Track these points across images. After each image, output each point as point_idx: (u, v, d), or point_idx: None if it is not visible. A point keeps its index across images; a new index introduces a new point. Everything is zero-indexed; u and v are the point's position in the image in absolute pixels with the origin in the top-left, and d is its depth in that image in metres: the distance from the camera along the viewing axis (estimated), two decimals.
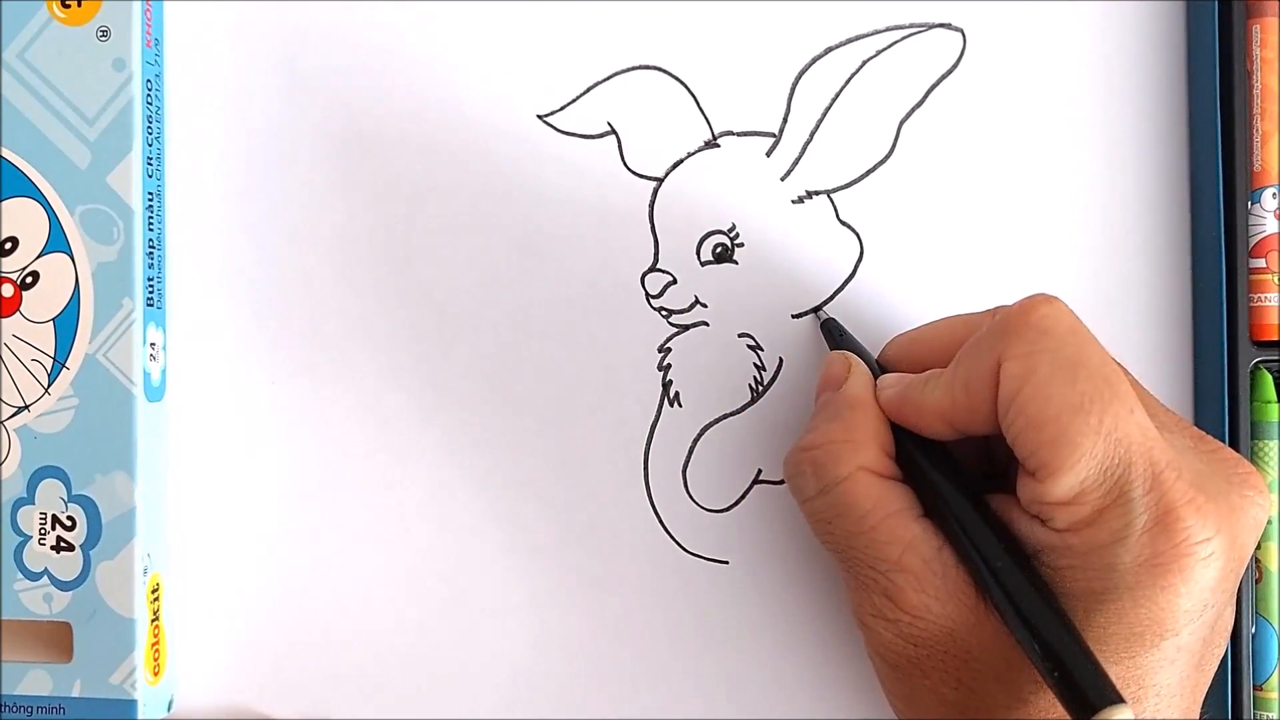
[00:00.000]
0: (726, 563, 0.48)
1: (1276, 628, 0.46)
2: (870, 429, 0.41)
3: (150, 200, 0.46)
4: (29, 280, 0.45)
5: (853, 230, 0.47)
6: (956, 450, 0.42)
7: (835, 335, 0.46)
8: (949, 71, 0.47)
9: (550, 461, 0.48)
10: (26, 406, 0.45)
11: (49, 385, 0.45)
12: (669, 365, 0.47)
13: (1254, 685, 0.46)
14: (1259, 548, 0.46)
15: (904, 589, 0.39)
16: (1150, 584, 0.36)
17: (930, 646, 0.39)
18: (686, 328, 0.47)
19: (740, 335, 0.47)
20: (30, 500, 0.45)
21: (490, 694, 0.48)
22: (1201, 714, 0.39)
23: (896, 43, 0.47)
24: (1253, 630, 0.46)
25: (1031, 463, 0.37)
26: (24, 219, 0.45)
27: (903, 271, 0.47)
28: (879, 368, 0.44)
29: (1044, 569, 0.38)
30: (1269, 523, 0.45)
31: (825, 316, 0.47)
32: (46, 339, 0.45)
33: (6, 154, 0.45)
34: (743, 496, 0.47)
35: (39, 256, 0.45)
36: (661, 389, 0.47)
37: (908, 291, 0.47)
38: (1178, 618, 0.36)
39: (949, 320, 0.44)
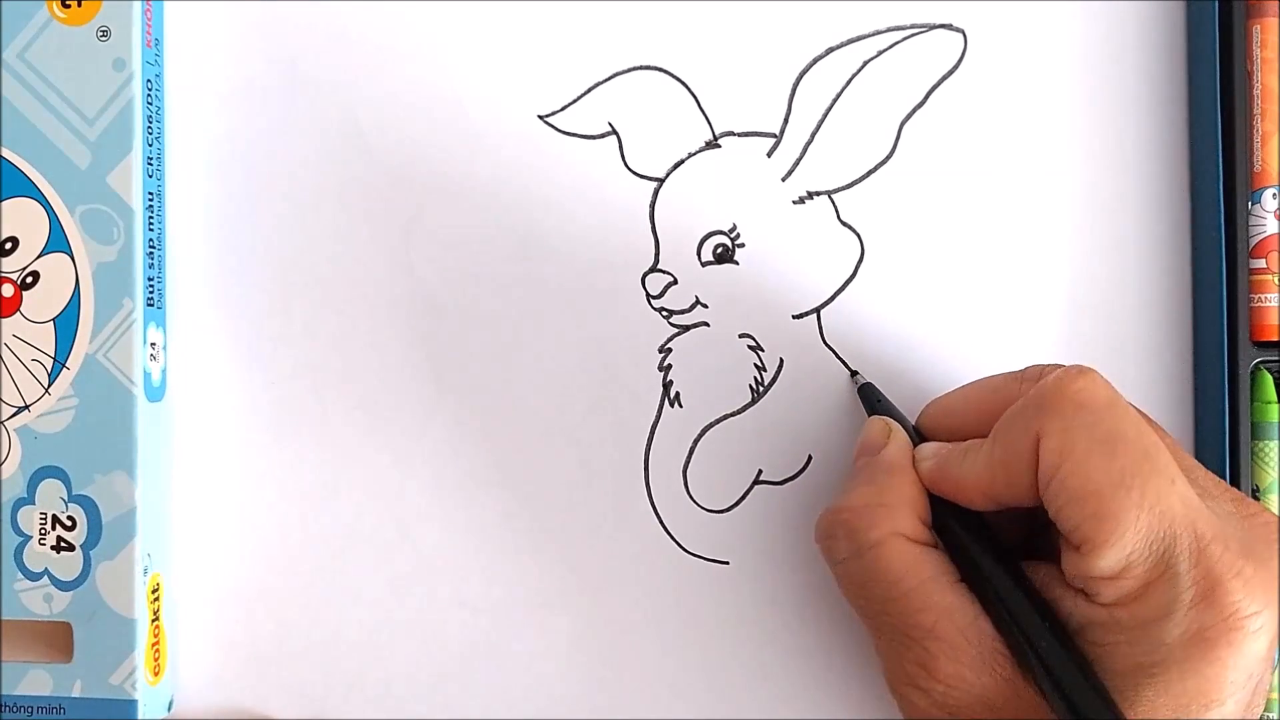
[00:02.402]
0: (727, 563, 0.48)
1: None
2: (906, 494, 0.41)
3: (150, 200, 0.46)
4: (29, 280, 0.45)
5: (854, 231, 0.47)
6: (993, 516, 0.41)
7: (873, 400, 0.46)
8: (950, 72, 0.47)
9: (550, 461, 0.48)
10: (27, 406, 0.45)
11: (49, 385, 0.45)
12: (669, 365, 0.47)
13: None
14: None
15: (938, 657, 0.39)
16: (1199, 658, 0.36)
17: (966, 715, 0.39)
18: (687, 328, 0.47)
19: (741, 336, 0.47)
20: (30, 500, 0.45)
21: (490, 694, 0.48)
22: None
23: (898, 43, 0.47)
24: None
25: (1075, 537, 0.37)
26: (24, 219, 0.45)
27: (903, 272, 0.47)
28: (916, 433, 0.44)
29: (1089, 645, 0.37)
30: None
31: (862, 381, 0.47)
32: (47, 339, 0.45)
33: (6, 154, 0.45)
34: (743, 497, 0.47)
35: (39, 256, 0.45)
36: (662, 389, 0.47)
37: (908, 292, 0.47)
38: (1224, 689, 0.36)
39: (982, 385, 0.43)
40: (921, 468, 0.42)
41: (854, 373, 0.47)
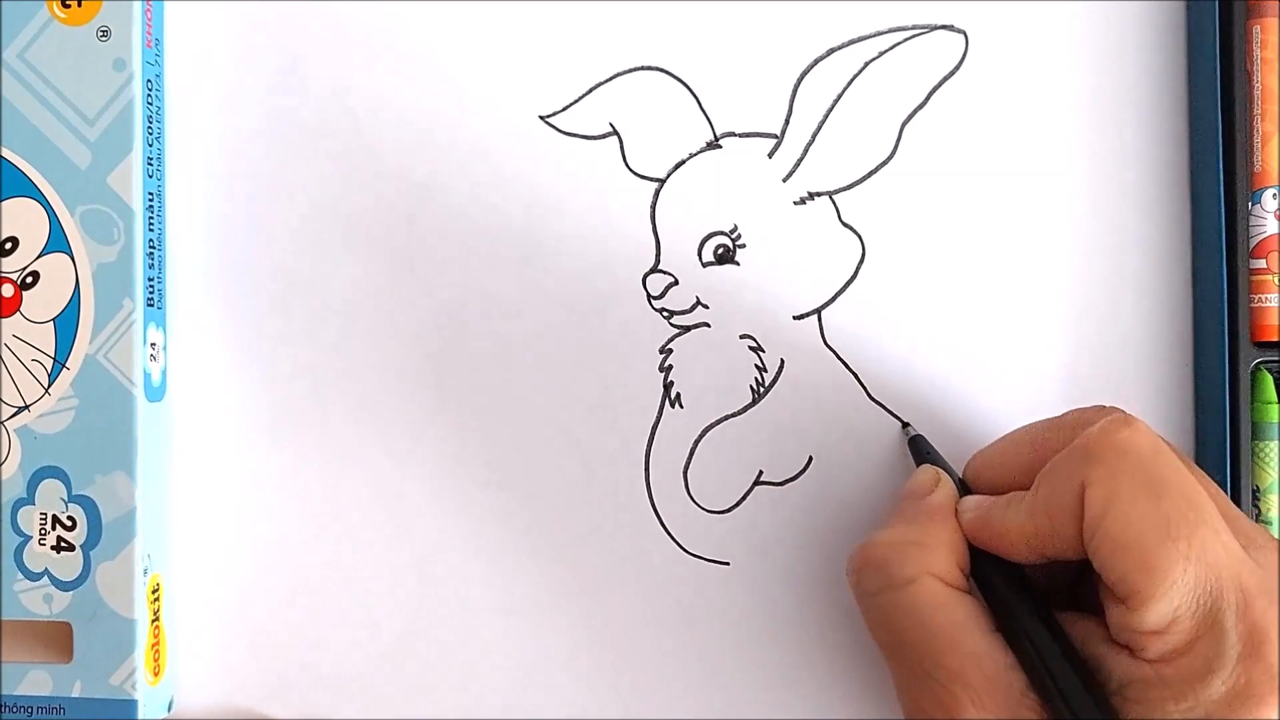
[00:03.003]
0: (727, 564, 0.48)
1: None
2: (945, 537, 0.41)
3: (150, 200, 0.45)
4: (29, 280, 0.45)
5: (855, 232, 0.47)
6: (1034, 572, 0.41)
7: (923, 452, 0.45)
8: (951, 73, 0.47)
9: (551, 462, 0.48)
10: (26, 407, 0.45)
11: (49, 385, 0.45)
12: (670, 366, 0.47)
13: None
14: None
15: (961, 701, 0.38)
16: (1245, 713, 0.35)
17: None
18: (688, 329, 0.47)
19: (742, 336, 0.47)
20: (30, 500, 0.45)
21: (490, 694, 0.48)
22: None
23: (899, 44, 0.47)
24: None
25: (1121, 589, 0.36)
26: (24, 219, 0.45)
27: (905, 273, 0.47)
28: (962, 486, 0.44)
29: (1131, 702, 0.37)
30: (1269, 524, 0.45)
31: (913, 433, 0.47)
32: (47, 339, 0.45)
33: (6, 154, 0.45)
34: (744, 498, 0.47)
35: (39, 256, 0.45)
36: (663, 390, 0.47)
37: (910, 293, 0.47)
38: None
39: (1022, 436, 0.43)
40: (964, 519, 0.41)
41: (905, 424, 0.47)
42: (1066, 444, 0.39)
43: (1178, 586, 0.35)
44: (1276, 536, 0.45)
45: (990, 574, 0.40)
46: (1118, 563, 0.36)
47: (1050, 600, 0.40)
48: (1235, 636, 0.35)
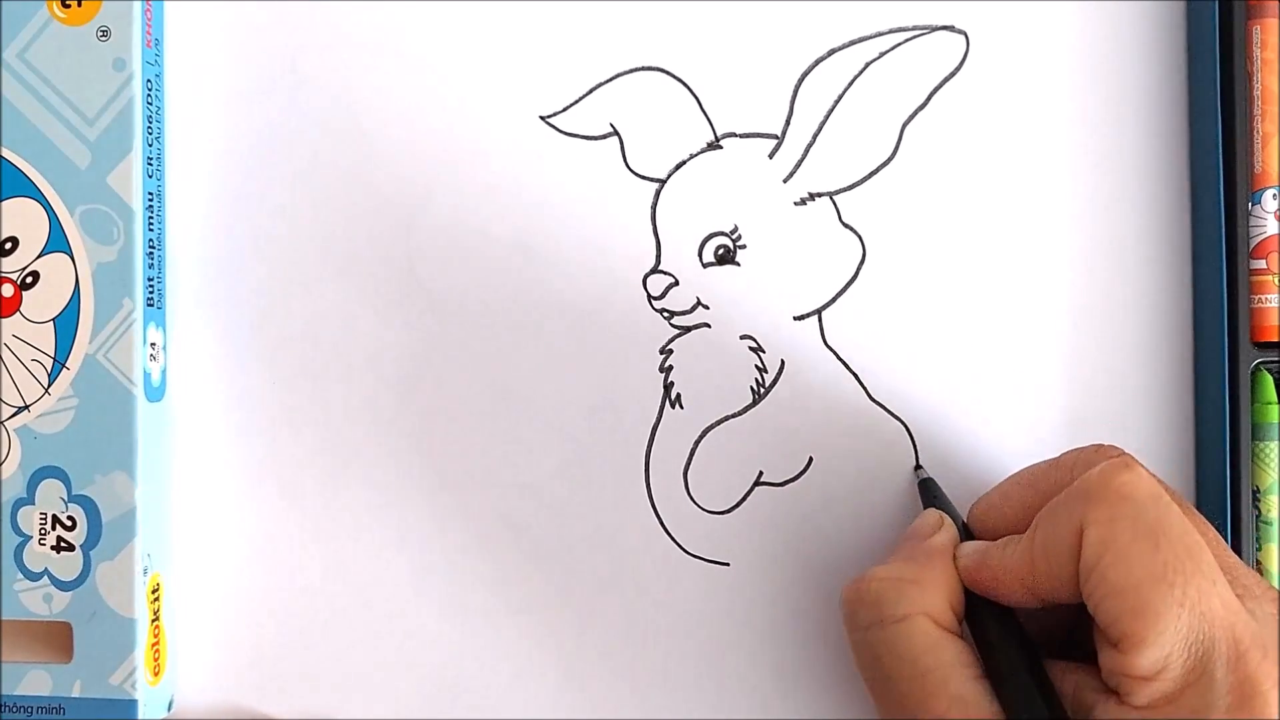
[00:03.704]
0: (727, 565, 0.48)
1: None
2: (941, 578, 0.41)
3: (150, 200, 0.45)
4: (29, 280, 0.45)
5: (855, 232, 0.47)
6: (1028, 619, 0.41)
7: (931, 495, 0.45)
8: (952, 74, 0.47)
9: (551, 462, 0.48)
10: (26, 406, 0.45)
11: (49, 385, 0.45)
12: (670, 367, 0.47)
13: None
14: (1260, 549, 0.46)
15: None
16: None
17: None
18: (688, 329, 0.47)
19: (742, 337, 0.47)
20: (30, 500, 0.45)
21: (490, 694, 0.48)
22: None
23: (900, 45, 0.47)
24: None
25: (1114, 632, 0.36)
26: (24, 219, 0.45)
27: (905, 273, 0.47)
28: (966, 531, 0.44)
29: None
30: (1269, 525, 0.45)
31: (924, 476, 0.47)
32: (46, 339, 0.45)
33: (6, 154, 0.45)
34: (744, 498, 0.47)
35: (39, 256, 0.45)
36: (663, 390, 0.47)
37: (910, 293, 0.47)
38: None
39: (1022, 479, 0.43)
40: (961, 563, 0.41)
41: (917, 467, 0.47)
42: (1065, 485, 0.39)
43: (1170, 632, 0.35)
44: (1276, 539, 0.45)
45: (983, 619, 0.40)
46: (1112, 605, 0.36)
47: (1044, 648, 0.40)
48: (1225, 688, 0.35)
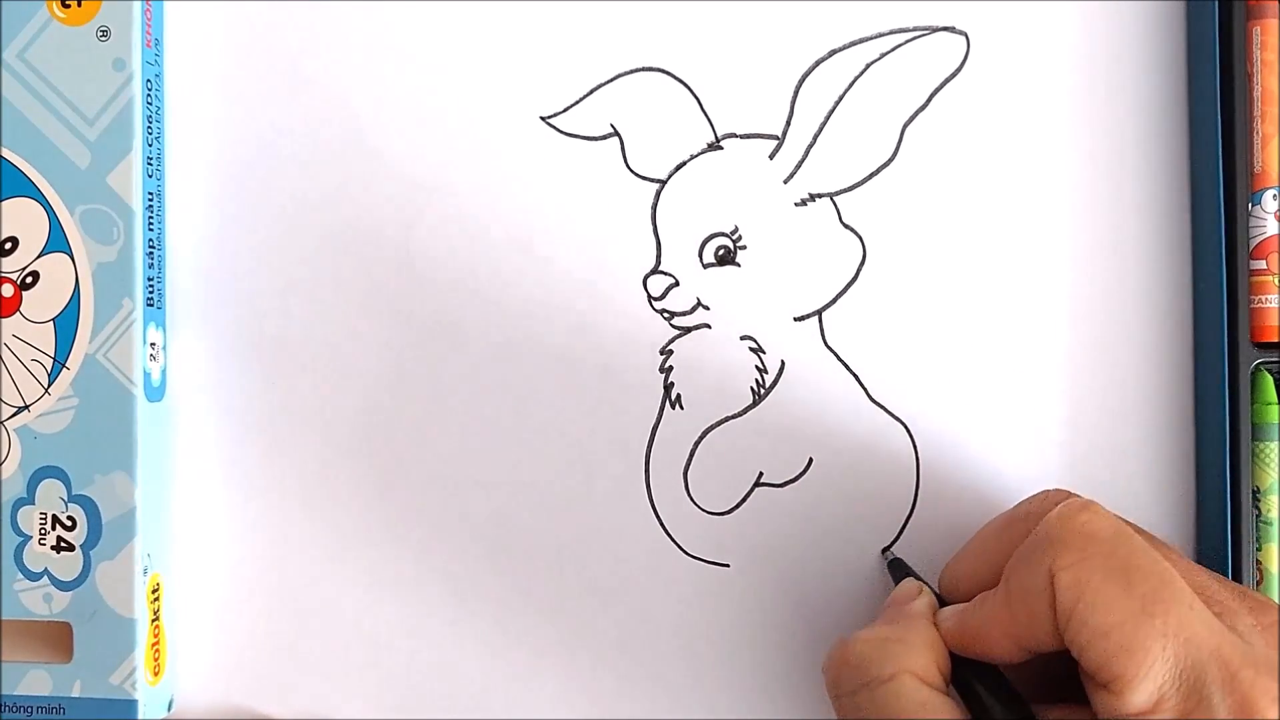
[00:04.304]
0: (727, 566, 0.48)
1: None
2: (926, 638, 0.40)
3: (150, 200, 0.45)
4: (29, 280, 0.45)
5: (855, 233, 0.47)
6: (1018, 674, 0.41)
7: (902, 572, 0.45)
8: (952, 75, 0.47)
9: (551, 463, 0.48)
10: (26, 406, 0.45)
11: (49, 385, 0.45)
12: (670, 367, 0.47)
13: None
14: (1260, 549, 0.46)
15: None
16: None
17: None
18: (688, 330, 0.47)
19: (742, 338, 0.47)
20: (30, 500, 0.45)
21: (489, 694, 0.48)
22: None
23: (900, 46, 0.47)
24: None
25: (1103, 675, 0.36)
26: (24, 219, 0.45)
27: (905, 275, 0.47)
28: (942, 601, 0.43)
29: None
30: (1269, 525, 0.45)
31: (892, 557, 0.47)
32: (46, 339, 0.45)
33: (6, 154, 0.45)
34: (744, 499, 0.47)
35: (39, 256, 0.45)
36: (663, 391, 0.47)
37: (910, 294, 0.47)
38: None
39: (986, 536, 0.43)
40: (944, 626, 0.41)
41: (886, 549, 0.47)
42: (1026, 536, 0.39)
43: (1159, 666, 0.35)
44: (1276, 539, 0.45)
45: (970, 679, 0.40)
46: (1096, 649, 0.36)
47: (1042, 694, 0.40)
48: (1224, 710, 0.35)
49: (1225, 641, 0.35)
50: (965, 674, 0.40)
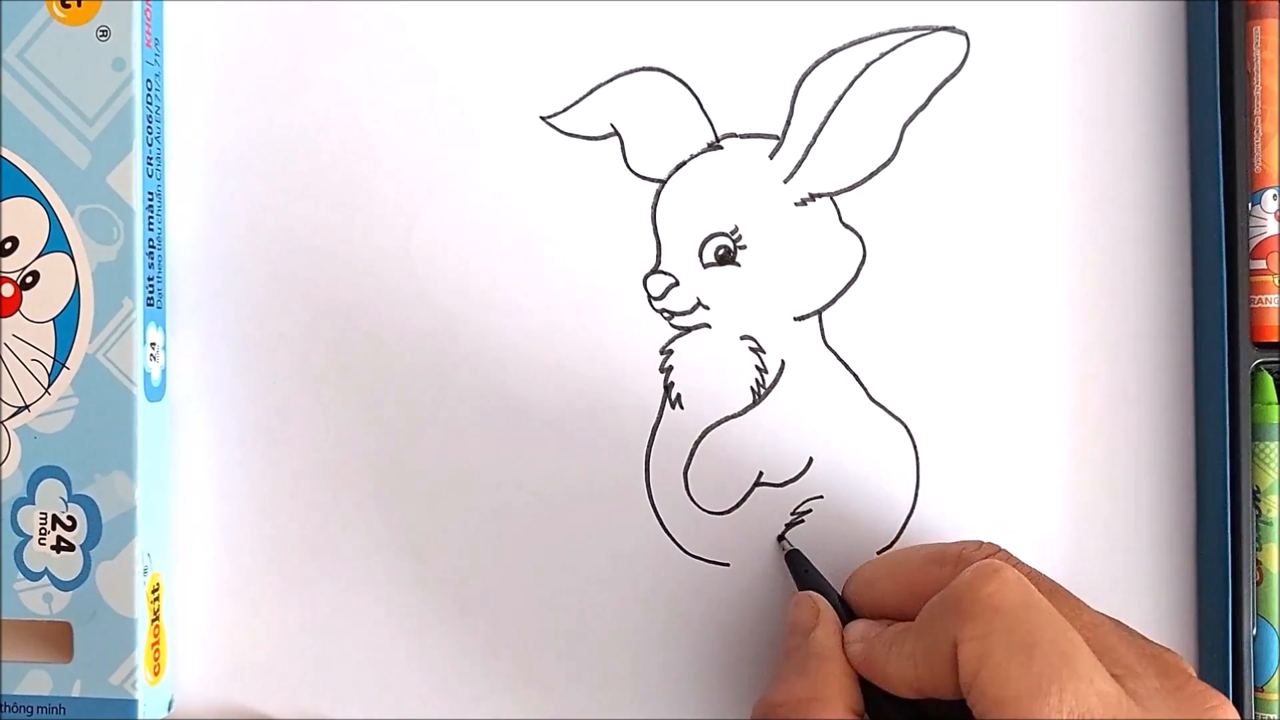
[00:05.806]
0: (727, 565, 0.48)
1: (1277, 629, 0.46)
2: (837, 686, 0.41)
3: (150, 200, 0.45)
4: (29, 280, 0.45)
5: (855, 233, 0.47)
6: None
7: (800, 570, 0.46)
8: (952, 74, 0.47)
9: (551, 463, 0.48)
10: (26, 406, 0.45)
11: (49, 385, 0.45)
12: (671, 367, 0.47)
13: (1255, 687, 0.46)
14: (1260, 549, 0.46)
15: None
16: None
17: None
18: (688, 330, 0.47)
19: (742, 337, 0.47)
20: (30, 500, 0.45)
21: (490, 694, 0.48)
22: None
23: (900, 45, 0.47)
24: (1254, 632, 0.46)
25: None
26: (24, 219, 0.45)
27: (905, 274, 0.47)
28: (843, 605, 0.44)
29: None
30: (1269, 525, 0.45)
31: (789, 548, 0.47)
32: (46, 339, 0.45)
33: (6, 154, 0.45)
34: (744, 499, 0.47)
35: (39, 256, 0.45)
36: (663, 391, 0.47)
37: (910, 294, 0.47)
38: None
39: (904, 558, 0.44)
40: (850, 650, 0.41)
41: (781, 537, 0.47)
42: (941, 581, 0.39)
43: None
44: (1276, 539, 0.45)
45: (881, 705, 0.41)
46: (995, 718, 0.36)
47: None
48: None
49: (1123, 710, 0.36)
50: (880, 704, 0.41)
